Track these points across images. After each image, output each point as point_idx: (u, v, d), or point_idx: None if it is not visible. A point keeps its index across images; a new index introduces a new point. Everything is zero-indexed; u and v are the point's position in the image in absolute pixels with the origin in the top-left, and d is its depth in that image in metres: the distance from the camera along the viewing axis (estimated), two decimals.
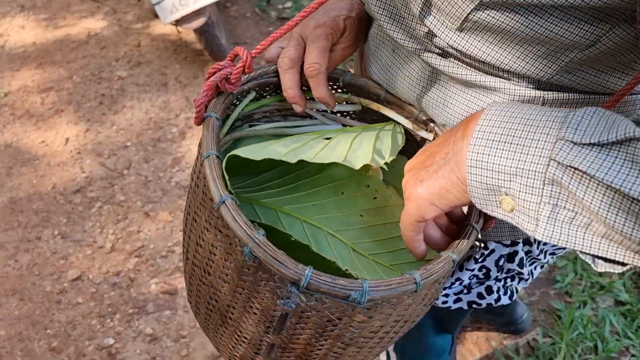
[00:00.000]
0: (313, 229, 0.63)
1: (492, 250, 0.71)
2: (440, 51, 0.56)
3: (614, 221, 0.38)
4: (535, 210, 0.41)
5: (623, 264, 0.42)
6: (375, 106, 0.69)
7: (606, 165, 0.37)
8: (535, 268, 0.79)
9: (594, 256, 0.43)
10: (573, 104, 0.54)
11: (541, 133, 0.40)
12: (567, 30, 0.46)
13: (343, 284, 0.47)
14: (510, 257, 0.72)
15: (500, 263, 0.73)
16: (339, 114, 0.73)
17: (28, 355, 1.55)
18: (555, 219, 0.41)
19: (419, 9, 0.52)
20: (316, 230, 0.63)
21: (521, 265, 0.74)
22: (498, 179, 0.43)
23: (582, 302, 1.65)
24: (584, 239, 0.41)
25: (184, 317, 1.63)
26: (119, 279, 1.73)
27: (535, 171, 0.40)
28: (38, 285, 1.72)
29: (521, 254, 0.71)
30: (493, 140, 0.43)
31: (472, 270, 0.75)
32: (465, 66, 0.55)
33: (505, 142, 0.42)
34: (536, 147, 0.40)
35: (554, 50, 0.48)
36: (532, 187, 0.41)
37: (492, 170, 0.43)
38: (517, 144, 0.41)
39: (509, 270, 0.75)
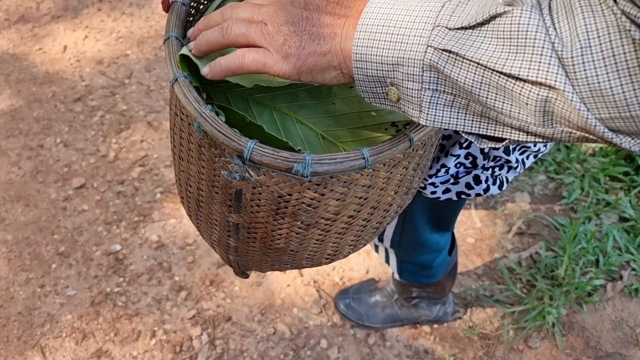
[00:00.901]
0: (282, 116, 0.62)
1: None
2: None
3: (486, 97, 0.42)
4: (418, 97, 0.44)
5: (502, 140, 0.46)
6: None
7: (475, 45, 0.40)
8: (527, 157, 0.78)
9: (476, 135, 0.46)
10: None
11: (419, 22, 0.43)
12: None
13: (286, 156, 0.48)
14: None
15: (486, 150, 0.72)
16: None
17: (36, 259, 1.57)
18: (437, 103, 0.44)
19: None
20: (285, 118, 0.62)
21: (507, 151, 0.73)
22: (383, 70, 0.45)
23: (587, 218, 1.65)
24: (465, 119, 0.45)
25: (189, 225, 1.64)
26: (124, 187, 1.73)
27: (415, 59, 0.43)
28: (43, 192, 1.71)
29: None
30: (376, 32, 0.45)
31: (457, 156, 0.74)
32: None
33: (387, 34, 0.44)
34: (415, 36, 0.43)
35: None
36: (413, 74, 0.43)
37: (377, 62, 0.45)
38: (399, 34, 0.43)
39: (495, 159, 0.74)
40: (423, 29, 0.43)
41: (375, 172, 0.53)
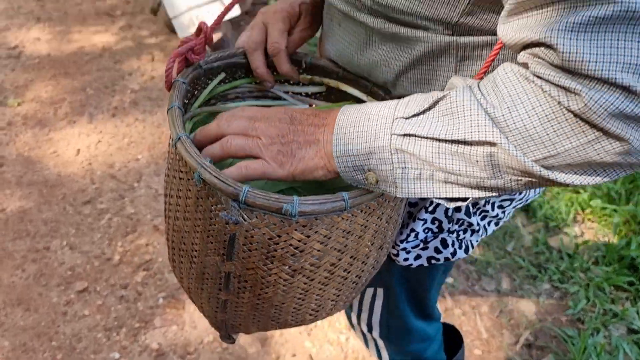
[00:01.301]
0: (276, 186, 0.71)
1: None
2: (367, 9, 0.64)
3: (445, 164, 0.51)
4: (391, 176, 0.54)
5: (465, 199, 0.55)
6: (334, 83, 0.77)
7: (427, 125, 0.51)
8: (489, 224, 0.84)
9: (444, 199, 0.56)
10: (484, 47, 0.62)
11: (382, 118, 0.54)
12: None
13: (277, 197, 0.54)
14: (458, 206, 0.79)
15: (449, 213, 0.79)
16: (306, 96, 0.81)
17: None
18: (408, 178, 0.54)
19: None
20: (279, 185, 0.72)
21: (468, 214, 0.79)
22: (360, 160, 0.55)
23: (595, 330, 1.63)
24: (432, 187, 0.54)
25: (191, 333, 1.61)
26: (127, 292, 1.72)
27: (384, 146, 0.53)
28: (44, 295, 1.70)
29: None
30: (350, 133, 0.56)
31: (425, 221, 0.79)
32: (391, 23, 0.64)
33: (359, 132, 0.55)
34: (381, 130, 0.54)
35: None
36: (384, 159, 0.54)
37: (355, 155, 0.55)
38: (368, 130, 0.54)
39: (459, 221, 0.80)
40: (386, 123, 0.54)
41: (354, 218, 0.59)
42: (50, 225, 1.92)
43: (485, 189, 0.52)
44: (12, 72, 2.69)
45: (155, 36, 2.97)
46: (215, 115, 0.74)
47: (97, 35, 2.98)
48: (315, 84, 0.80)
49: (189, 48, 0.68)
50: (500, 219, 0.84)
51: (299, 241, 0.57)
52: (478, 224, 0.82)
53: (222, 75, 0.75)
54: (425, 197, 0.54)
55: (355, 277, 0.68)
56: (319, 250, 0.59)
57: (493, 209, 0.81)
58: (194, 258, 0.65)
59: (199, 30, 0.69)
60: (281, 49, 0.73)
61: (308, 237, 0.57)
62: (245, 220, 0.56)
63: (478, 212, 0.81)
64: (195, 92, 0.74)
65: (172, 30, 2.66)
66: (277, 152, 0.58)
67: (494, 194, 0.53)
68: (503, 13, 0.48)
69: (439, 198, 0.56)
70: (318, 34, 0.84)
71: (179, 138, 0.58)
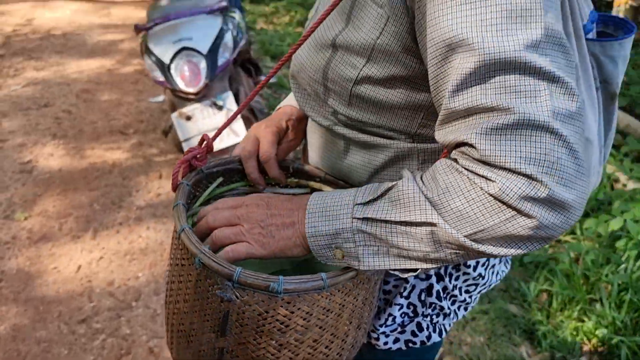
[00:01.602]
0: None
1: (413, 286, 0.85)
2: (343, 123, 0.77)
3: (397, 241, 0.62)
4: (355, 252, 0.65)
5: (415, 270, 0.65)
6: (317, 186, 0.87)
7: (381, 209, 0.62)
8: (459, 309, 0.90)
9: (400, 270, 0.66)
10: (440, 151, 0.74)
11: (345, 204, 0.65)
12: (414, 96, 0.69)
13: (265, 277, 0.63)
14: (429, 291, 0.85)
15: (422, 298, 0.86)
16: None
17: None
18: (368, 254, 0.64)
19: (322, 95, 0.76)
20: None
21: (439, 298, 0.86)
22: (329, 240, 0.66)
23: None
24: (389, 261, 0.64)
25: None
26: None
27: (347, 228, 0.64)
28: None
29: (437, 287, 0.85)
30: (320, 216, 0.67)
31: (401, 306, 0.86)
32: (364, 134, 0.77)
33: (326, 215, 0.66)
34: (344, 214, 0.65)
35: (411, 111, 0.71)
36: (348, 238, 0.64)
37: (324, 235, 0.66)
38: (334, 214, 0.66)
39: (432, 305, 0.87)
40: (348, 208, 0.65)
41: (332, 297, 0.67)
42: (42, 345, 1.87)
43: (431, 261, 0.63)
44: (22, 187, 2.77)
45: (164, 155, 3.09)
46: None
47: (108, 152, 3.11)
48: (301, 187, 0.91)
49: (193, 156, 0.80)
50: (468, 303, 0.92)
51: (284, 317, 0.66)
52: (449, 308, 0.89)
53: (220, 179, 0.87)
54: (383, 269, 0.65)
55: (337, 355, 0.74)
56: (302, 326, 0.67)
57: (461, 294, 0.88)
58: (191, 337, 0.73)
59: (202, 140, 0.81)
60: (271, 157, 0.85)
61: (292, 312, 0.65)
62: (238, 297, 0.65)
63: (448, 297, 0.88)
64: (197, 193, 0.85)
65: (181, 150, 2.77)
66: (258, 234, 0.69)
67: (438, 265, 0.63)
68: (437, 122, 0.61)
69: (394, 270, 0.66)
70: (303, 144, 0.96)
71: (183, 230, 0.68)
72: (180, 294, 0.73)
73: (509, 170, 0.53)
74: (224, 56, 2.59)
